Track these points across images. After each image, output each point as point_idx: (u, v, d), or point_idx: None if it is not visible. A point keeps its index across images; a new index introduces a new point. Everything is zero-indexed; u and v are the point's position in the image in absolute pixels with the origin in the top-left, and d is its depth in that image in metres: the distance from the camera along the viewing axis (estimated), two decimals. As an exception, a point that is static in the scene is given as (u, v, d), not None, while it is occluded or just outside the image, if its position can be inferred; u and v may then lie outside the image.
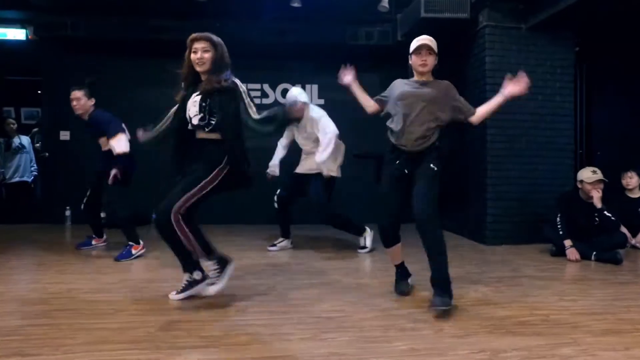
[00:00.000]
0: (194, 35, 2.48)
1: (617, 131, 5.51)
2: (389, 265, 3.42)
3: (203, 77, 2.50)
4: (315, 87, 6.01)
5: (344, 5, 4.95)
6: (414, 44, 2.66)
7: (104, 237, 4.14)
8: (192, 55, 2.47)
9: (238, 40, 5.42)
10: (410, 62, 2.71)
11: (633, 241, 4.22)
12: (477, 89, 4.61)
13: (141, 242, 3.71)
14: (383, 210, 2.61)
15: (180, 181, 2.41)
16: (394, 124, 2.61)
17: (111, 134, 3.62)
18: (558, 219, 3.85)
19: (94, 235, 4.11)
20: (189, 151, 2.51)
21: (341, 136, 3.91)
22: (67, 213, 5.60)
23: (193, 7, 4.75)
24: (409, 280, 2.75)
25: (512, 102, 4.40)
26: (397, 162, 2.56)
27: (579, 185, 3.86)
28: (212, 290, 2.46)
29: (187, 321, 2.17)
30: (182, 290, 2.49)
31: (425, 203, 2.41)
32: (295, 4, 4.73)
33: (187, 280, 2.49)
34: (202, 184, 2.34)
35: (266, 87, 5.92)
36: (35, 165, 6.32)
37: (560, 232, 3.81)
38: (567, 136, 4.61)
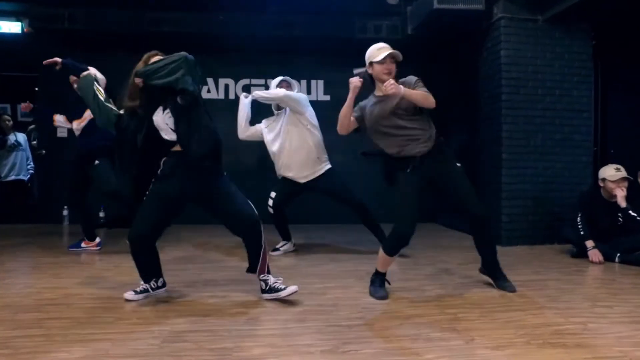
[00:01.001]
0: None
1: (633, 128, 5.35)
2: (402, 268, 3.27)
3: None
4: (321, 82, 5.85)
5: (352, -3, 4.79)
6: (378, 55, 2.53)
7: (97, 239, 3.87)
8: None
9: (242, 34, 5.27)
10: (370, 71, 2.58)
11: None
12: (491, 84, 4.44)
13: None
14: (405, 219, 2.47)
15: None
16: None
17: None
18: (579, 218, 3.68)
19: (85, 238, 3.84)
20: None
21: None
22: (65, 213, 5.47)
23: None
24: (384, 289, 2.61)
25: (527, 97, 4.34)
26: (410, 168, 2.49)
27: (601, 184, 3.68)
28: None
29: (195, 331, 1.98)
30: None
31: (480, 202, 2.54)
32: (302, -4, 4.56)
33: None
34: None
35: (270, 81, 5.73)
36: (31, 163, 6.15)
37: (582, 233, 3.64)
38: (584, 132, 4.44)
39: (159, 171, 2.37)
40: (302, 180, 3.67)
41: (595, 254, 3.53)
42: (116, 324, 2.08)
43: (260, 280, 2.45)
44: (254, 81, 5.74)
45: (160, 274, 2.48)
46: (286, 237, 3.88)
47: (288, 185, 3.73)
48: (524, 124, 4.31)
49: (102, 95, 2.40)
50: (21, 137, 6.11)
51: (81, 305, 2.35)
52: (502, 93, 4.28)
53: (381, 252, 2.57)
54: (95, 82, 2.41)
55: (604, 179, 3.65)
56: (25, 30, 5.37)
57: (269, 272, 2.46)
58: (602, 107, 5.41)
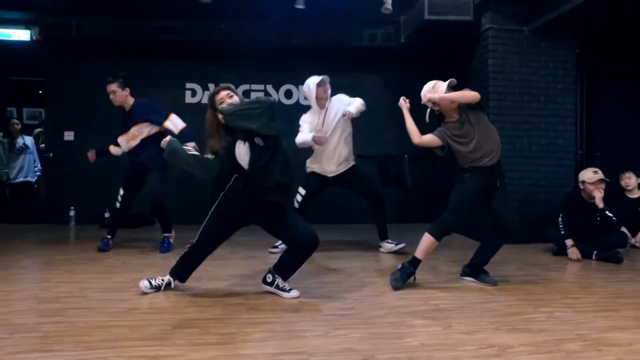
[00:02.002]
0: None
1: (617, 133, 5.58)
2: (392, 264, 3.51)
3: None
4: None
5: (348, 7, 4.99)
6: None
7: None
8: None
9: (242, 41, 5.49)
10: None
11: (633, 241, 4.29)
12: (480, 91, 4.61)
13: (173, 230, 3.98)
14: (458, 214, 2.83)
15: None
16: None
17: (163, 117, 3.79)
18: (560, 219, 3.92)
19: (110, 236, 4.02)
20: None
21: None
22: (72, 213, 5.64)
23: (198, 8, 4.79)
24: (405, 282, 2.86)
25: (514, 104, 4.57)
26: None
27: (581, 186, 3.92)
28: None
29: (202, 319, 2.21)
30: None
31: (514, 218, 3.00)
32: (300, 6, 4.77)
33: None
34: None
35: (269, 87, 5.96)
36: (39, 165, 6.36)
37: (562, 232, 3.87)
38: (568, 137, 4.67)
39: (227, 187, 2.55)
40: (331, 175, 3.84)
41: (574, 252, 3.76)
42: (130, 312, 2.31)
43: (274, 276, 2.64)
44: (254, 86, 5.95)
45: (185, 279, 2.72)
46: None
47: (315, 182, 3.86)
48: (511, 129, 4.53)
49: (195, 152, 2.56)
50: (29, 140, 6.33)
51: (96, 297, 2.58)
52: (490, 100, 4.51)
53: (427, 236, 2.84)
54: (180, 145, 2.49)
55: (583, 182, 3.89)
56: (34, 38, 5.58)
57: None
58: (587, 113, 5.64)
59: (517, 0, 4.41)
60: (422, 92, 2.97)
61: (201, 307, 2.40)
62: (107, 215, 5.50)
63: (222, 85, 2.61)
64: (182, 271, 2.69)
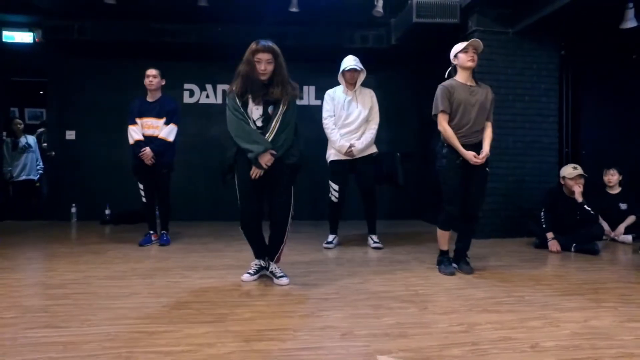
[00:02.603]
0: (257, 46, 2.61)
1: (603, 131, 5.76)
2: (379, 255, 3.70)
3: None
4: (312, 88, 6.25)
5: (340, 10, 5.16)
6: (461, 45, 3.10)
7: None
8: (257, 66, 2.59)
9: (239, 43, 5.62)
10: (455, 62, 3.15)
11: (612, 234, 4.48)
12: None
13: None
14: (451, 200, 3.01)
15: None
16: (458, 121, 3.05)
17: (174, 121, 4.05)
18: (542, 213, 4.10)
19: (152, 232, 4.17)
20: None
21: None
22: (73, 210, 5.81)
23: (195, 11, 4.97)
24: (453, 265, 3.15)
25: (499, 104, 4.74)
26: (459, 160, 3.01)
27: (562, 182, 4.10)
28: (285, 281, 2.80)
29: (197, 302, 2.40)
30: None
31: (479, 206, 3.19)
32: (294, 9, 4.95)
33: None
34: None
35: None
36: (41, 164, 6.52)
37: (544, 226, 4.05)
38: (551, 135, 4.85)
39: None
40: (357, 155, 3.95)
41: (554, 244, 3.95)
42: (131, 297, 2.49)
43: (267, 260, 2.87)
44: (249, 87, 6.11)
45: (265, 255, 2.89)
46: (335, 231, 4.17)
47: (340, 173, 4.00)
48: (496, 127, 4.63)
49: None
50: (31, 139, 6.50)
51: (99, 283, 2.76)
52: (475, 99, 4.68)
53: (438, 230, 3.16)
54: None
55: (564, 177, 4.07)
56: (36, 40, 5.76)
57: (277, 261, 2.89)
58: (573, 112, 5.82)
59: (502, 3, 4.58)
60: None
61: (196, 292, 2.58)
62: (107, 212, 5.66)
63: (264, 45, 2.60)
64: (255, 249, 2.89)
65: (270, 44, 2.61)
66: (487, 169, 3.12)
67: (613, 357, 1.76)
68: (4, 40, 5.78)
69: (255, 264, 2.90)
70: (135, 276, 2.94)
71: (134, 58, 5.81)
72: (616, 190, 4.62)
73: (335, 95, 4.06)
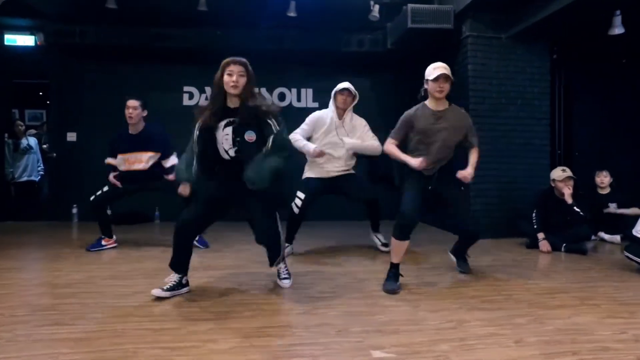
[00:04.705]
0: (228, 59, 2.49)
1: (595, 134, 5.89)
2: (374, 255, 3.81)
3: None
4: (310, 90, 6.35)
5: (337, 15, 5.27)
6: (433, 73, 2.82)
7: (114, 237, 4.07)
8: (226, 78, 2.45)
9: (237, 47, 5.73)
10: (426, 87, 2.91)
11: (607, 237, 4.59)
12: (460, 95, 4.94)
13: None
14: (406, 203, 2.84)
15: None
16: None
17: (170, 152, 3.82)
18: (534, 214, 4.22)
19: (103, 236, 4.04)
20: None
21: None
22: (74, 211, 5.88)
23: (195, 16, 5.07)
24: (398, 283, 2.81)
25: (492, 107, 4.87)
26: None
27: (552, 184, 4.22)
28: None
29: (199, 300, 2.50)
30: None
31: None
32: (292, 14, 5.06)
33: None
34: None
35: (263, 90, 6.24)
36: (42, 165, 6.62)
37: (535, 226, 4.17)
38: (543, 138, 4.98)
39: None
40: (333, 174, 3.72)
41: (544, 245, 4.07)
42: (135, 295, 2.59)
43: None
44: (248, 89, 6.21)
45: (186, 272, 2.62)
46: (290, 240, 3.83)
47: (314, 183, 3.74)
48: (489, 130, 4.82)
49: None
50: (32, 140, 6.60)
51: (104, 283, 2.86)
52: (469, 103, 4.79)
53: (392, 240, 2.81)
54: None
55: (553, 180, 4.19)
56: (38, 43, 5.84)
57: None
58: (565, 115, 5.95)
59: (494, 9, 4.69)
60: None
61: (198, 292, 2.68)
62: (108, 212, 5.74)
63: (234, 57, 2.47)
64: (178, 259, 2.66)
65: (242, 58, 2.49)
66: (462, 187, 3.07)
67: (590, 350, 1.87)
68: (6, 43, 5.87)
69: (173, 281, 2.57)
70: (139, 276, 3.04)
71: (135, 61, 5.91)
72: (606, 191, 4.74)
73: (321, 116, 3.78)
